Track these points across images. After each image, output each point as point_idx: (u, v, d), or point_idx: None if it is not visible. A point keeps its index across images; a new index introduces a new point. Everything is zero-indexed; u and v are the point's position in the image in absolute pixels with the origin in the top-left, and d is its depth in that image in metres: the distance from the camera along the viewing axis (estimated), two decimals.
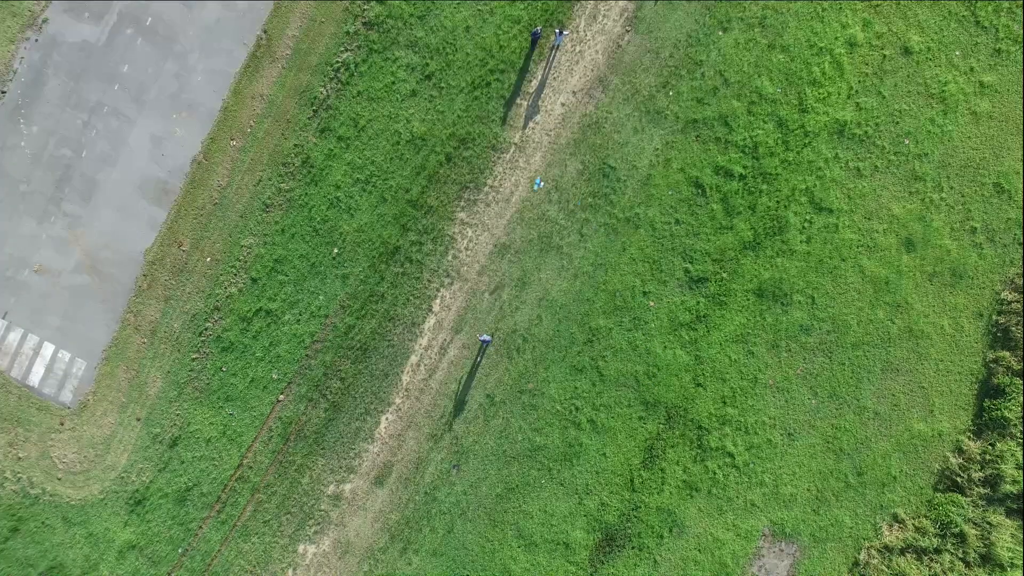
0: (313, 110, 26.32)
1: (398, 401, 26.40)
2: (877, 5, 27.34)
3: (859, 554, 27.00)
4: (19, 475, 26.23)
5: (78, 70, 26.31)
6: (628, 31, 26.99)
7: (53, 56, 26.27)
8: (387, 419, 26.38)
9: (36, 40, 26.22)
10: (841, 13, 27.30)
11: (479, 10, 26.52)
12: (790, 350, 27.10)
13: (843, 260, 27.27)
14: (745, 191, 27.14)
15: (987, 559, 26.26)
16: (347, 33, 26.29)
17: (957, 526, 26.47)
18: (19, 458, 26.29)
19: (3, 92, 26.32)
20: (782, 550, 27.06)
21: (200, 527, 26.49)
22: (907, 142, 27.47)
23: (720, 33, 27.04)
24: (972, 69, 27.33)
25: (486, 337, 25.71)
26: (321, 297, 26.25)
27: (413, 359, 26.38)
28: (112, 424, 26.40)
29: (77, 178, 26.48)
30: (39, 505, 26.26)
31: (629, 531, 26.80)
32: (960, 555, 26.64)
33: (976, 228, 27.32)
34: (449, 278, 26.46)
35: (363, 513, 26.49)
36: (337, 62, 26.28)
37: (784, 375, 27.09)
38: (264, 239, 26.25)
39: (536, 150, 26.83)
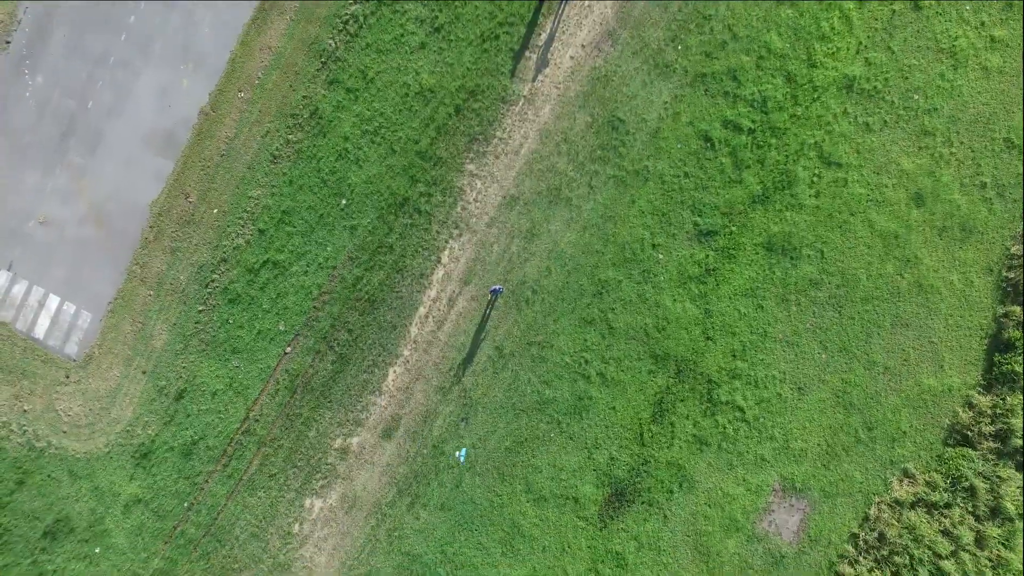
0: (322, 62, 26.19)
1: (406, 353, 26.23)
2: None
3: (869, 509, 26.85)
4: (25, 428, 26.00)
5: (83, 21, 26.16)
6: None
7: (58, 6, 26.12)
8: (395, 372, 26.20)
9: None
10: None
11: None
12: (799, 304, 26.99)
13: (852, 214, 27.18)
14: (754, 145, 27.06)
15: (996, 512, 26.11)
16: None
17: (967, 480, 26.34)
18: (24, 411, 26.06)
19: (7, 43, 26.16)
20: (792, 505, 26.90)
21: (206, 481, 26.26)
22: (916, 97, 27.41)
23: None
24: (983, 24, 27.29)
25: (498, 287, 25.56)
26: (329, 248, 26.08)
27: (421, 311, 26.21)
28: (117, 377, 26.18)
29: (82, 129, 26.31)
30: (44, 458, 26.03)
31: (639, 486, 26.62)
32: (970, 509, 26.50)
33: (986, 183, 27.25)
34: (458, 229, 26.31)
35: (370, 467, 26.29)
36: (346, 14, 26.16)
37: (794, 329, 26.97)
38: (272, 190, 26.10)
39: (545, 102, 26.72)
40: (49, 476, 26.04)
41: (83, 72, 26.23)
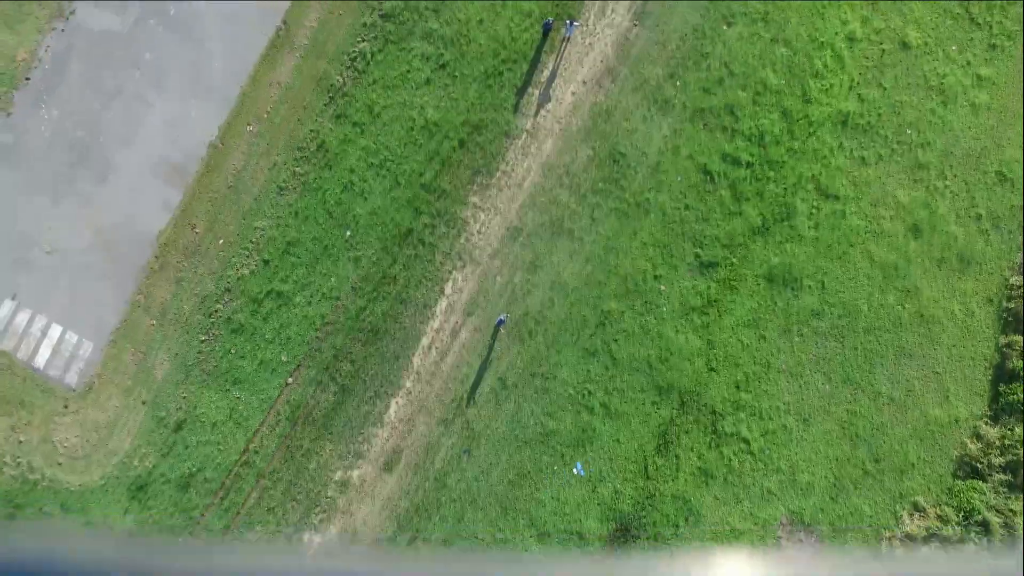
0: (329, 97, 26.88)
1: (408, 384, 26.08)
2: (875, 3, 28.41)
3: (880, 544, 26.30)
4: (19, 459, 25.57)
5: (101, 57, 26.96)
6: (636, 25, 27.89)
7: (77, 44, 26.95)
8: (397, 403, 25.99)
9: (62, 30, 26.94)
10: (840, 10, 28.32)
11: (492, 4, 27.44)
12: (802, 335, 27.03)
13: (851, 246, 27.49)
14: (753, 178, 27.57)
15: (1012, 548, 25.55)
16: (364, 24, 27.09)
17: (979, 513, 25.91)
18: (20, 442, 25.69)
19: (27, 79, 26.86)
20: (801, 540, 26.34)
21: (202, 515, 25.71)
22: (910, 132, 28.10)
23: (725, 27, 27.96)
24: (969, 63, 28.22)
25: (502, 318, 25.63)
26: (333, 279, 26.23)
27: (424, 342, 26.19)
28: (117, 407, 25.92)
29: (92, 159, 26.77)
30: (37, 491, 25.51)
31: (644, 520, 26.11)
32: (984, 545, 25.97)
33: (981, 215, 27.70)
34: (461, 261, 26.53)
35: (371, 500, 25.80)
36: (354, 51, 26.99)
37: (797, 360, 26.94)
38: (277, 221, 26.40)
39: (547, 137, 27.33)
40: (41, 510, 25.49)
41: (96, 104, 26.86)
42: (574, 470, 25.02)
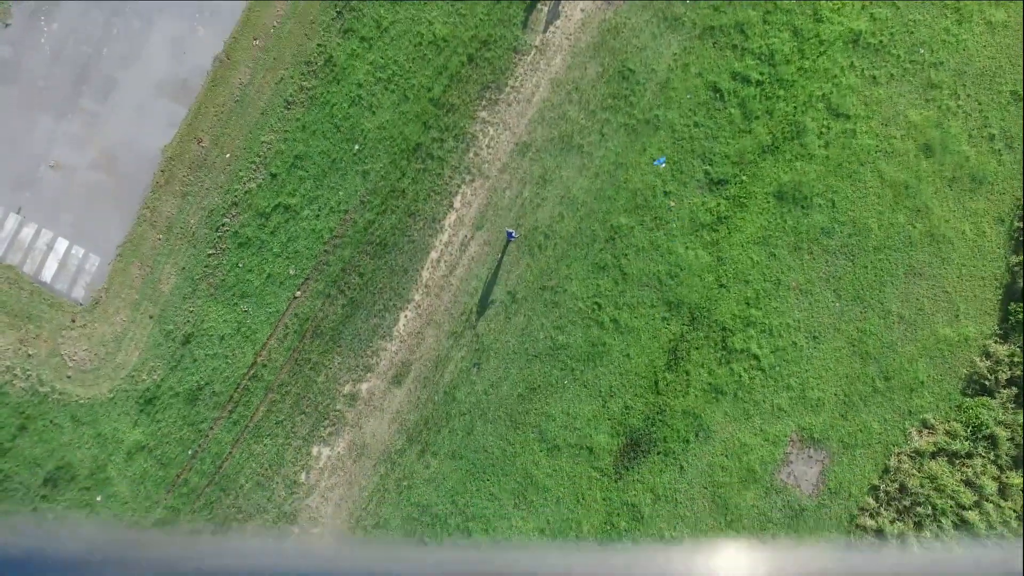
0: (337, 11, 26.56)
1: (417, 298, 25.96)
2: None
3: (889, 460, 26.31)
4: (28, 372, 25.51)
5: None
6: None
7: None
8: (406, 316, 25.89)
9: None
10: None
11: None
12: (812, 252, 26.89)
13: (862, 165, 27.30)
14: (762, 96, 27.32)
15: (1019, 462, 25.57)
16: None
17: (988, 428, 25.89)
18: (29, 355, 25.61)
19: None
20: (811, 456, 26.34)
21: (211, 428, 25.68)
22: (922, 51, 27.82)
23: None
24: None
25: (511, 232, 25.47)
26: (341, 193, 26.04)
27: (433, 255, 26.04)
28: (124, 322, 25.82)
29: (96, 76, 26.49)
30: (47, 404, 25.48)
31: (654, 435, 26.09)
32: (992, 458, 25.98)
33: (994, 135, 27.46)
34: (470, 175, 26.33)
35: (379, 414, 25.76)
36: None
37: (807, 277, 26.81)
38: (284, 135, 26.17)
39: (556, 53, 27.05)
40: (51, 422, 25.46)
41: (99, 20, 26.53)
42: (655, 163, 24.29)
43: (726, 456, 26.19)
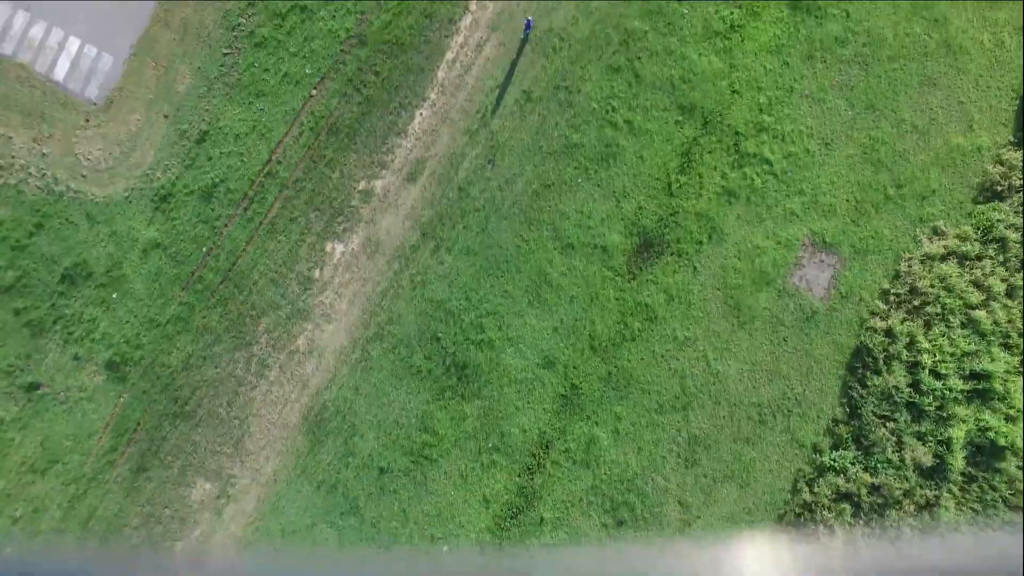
0: None
1: (433, 96, 25.96)
2: None
3: (899, 265, 26.47)
4: (43, 171, 25.48)
5: None
6: None
7: None
8: (421, 114, 25.89)
9: None
10: None
11: None
12: (825, 61, 26.92)
13: None
14: None
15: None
16: None
17: (998, 231, 26.04)
18: (43, 154, 25.58)
19: None
20: (823, 260, 26.50)
21: (226, 225, 25.73)
22: None
23: None
24: None
25: (529, 20, 25.45)
26: None
27: (449, 56, 26.00)
28: (138, 121, 25.78)
29: None
30: (63, 202, 25.47)
31: (667, 236, 26.20)
32: (1001, 260, 26.15)
33: None
34: None
35: (394, 210, 25.82)
36: None
37: (820, 85, 26.85)
38: None
39: None
40: (67, 220, 25.46)
41: None
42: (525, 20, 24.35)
43: (739, 258, 26.32)
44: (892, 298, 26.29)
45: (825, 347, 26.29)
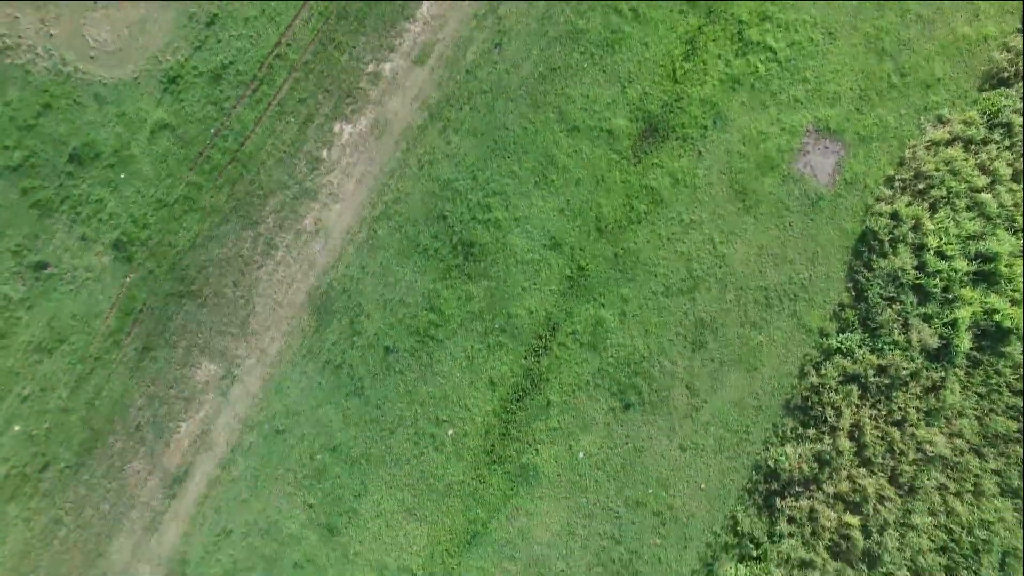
0: None
1: None
2: None
3: (904, 153, 26.56)
4: (51, 52, 25.66)
5: None
6: None
7: None
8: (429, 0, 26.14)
9: None
10: None
11: None
12: None
13: None
14: None
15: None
16: None
17: (1004, 116, 26.15)
18: (51, 35, 25.76)
19: None
20: (827, 147, 26.59)
21: (234, 106, 25.86)
22: None
23: None
24: None
25: None
26: None
27: None
28: (147, 4, 25.97)
29: None
30: (71, 83, 25.63)
31: (672, 121, 26.32)
32: (1007, 144, 26.24)
33: None
34: None
35: (402, 92, 25.96)
36: None
37: None
38: None
39: None
40: (75, 101, 25.61)
41: None
42: None
43: (743, 143, 26.43)
44: (897, 183, 26.36)
45: (830, 232, 26.34)
